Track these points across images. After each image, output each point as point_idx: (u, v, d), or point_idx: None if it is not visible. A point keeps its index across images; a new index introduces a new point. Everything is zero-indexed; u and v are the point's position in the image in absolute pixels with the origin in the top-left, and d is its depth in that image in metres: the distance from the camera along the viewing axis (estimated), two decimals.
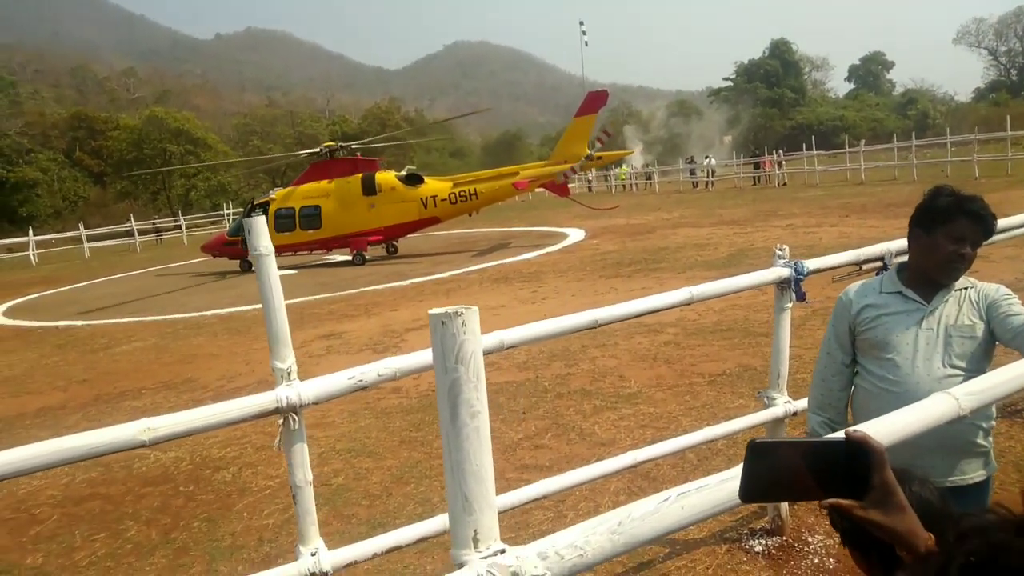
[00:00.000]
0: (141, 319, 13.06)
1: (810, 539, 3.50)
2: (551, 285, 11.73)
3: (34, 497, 5.01)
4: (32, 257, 32.41)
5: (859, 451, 0.90)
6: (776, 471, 0.89)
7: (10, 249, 35.92)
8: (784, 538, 3.52)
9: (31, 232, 35.89)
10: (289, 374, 2.33)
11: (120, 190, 59.49)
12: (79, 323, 13.36)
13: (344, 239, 19.13)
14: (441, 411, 1.09)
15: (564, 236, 19.53)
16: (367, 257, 18.89)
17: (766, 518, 3.63)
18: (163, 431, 2.10)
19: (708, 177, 35.80)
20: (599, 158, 21.63)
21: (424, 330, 9.41)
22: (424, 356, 2.45)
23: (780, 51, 78.06)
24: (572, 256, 15.23)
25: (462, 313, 1.05)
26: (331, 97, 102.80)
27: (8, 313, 15.71)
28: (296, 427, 2.26)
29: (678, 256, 13.13)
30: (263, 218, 2.41)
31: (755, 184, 33.49)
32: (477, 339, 1.06)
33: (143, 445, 2.06)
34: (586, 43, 62.54)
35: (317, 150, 21.56)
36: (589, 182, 43.20)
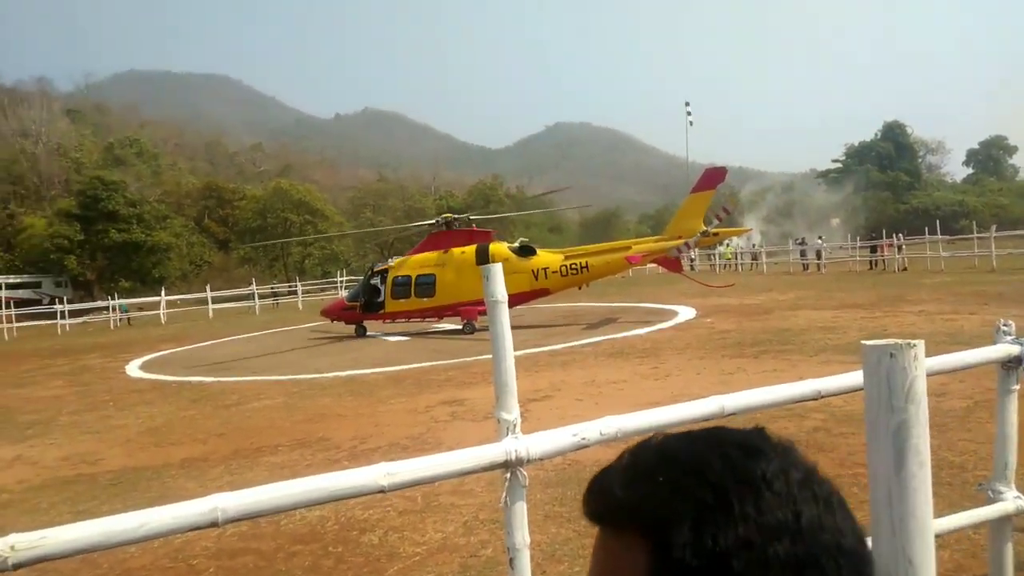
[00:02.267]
0: (267, 378, 13.56)
1: None
2: (672, 362, 11.39)
3: (190, 547, 5.11)
4: (162, 316, 34.66)
5: None
6: None
7: (141, 308, 38.65)
8: None
9: (163, 293, 38.51)
10: (515, 426, 2.26)
11: (242, 256, 63.58)
12: (210, 379, 14.01)
13: (456, 308, 19.47)
14: (876, 456, 0.96)
15: (674, 313, 19.12)
16: (476, 327, 19.10)
17: None
18: (401, 477, 2.06)
19: (819, 259, 34.60)
20: (715, 234, 21.27)
21: (546, 401, 9.27)
22: (660, 414, 2.30)
23: (894, 133, 75.93)
24: (687, 334, 14.82)
25: (914, 346, 0.94)
26: (437, 174, 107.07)
27: (144, 367, 16.68)
28: (524, 483, 2.17)
29: (805, 338, 12.52)
30: (500, 265, 2.41)
31: (871, 268, 32.02)
32: (924, 378, 0.94)
33: (382, 490, 2.02)
34: (691, 123, 62.94)
35: (434, 220, 22.33)
36: (692, 260, 42.56)
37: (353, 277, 39.08)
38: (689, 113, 62.60)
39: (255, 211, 63.62)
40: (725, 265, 41.63)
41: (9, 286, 47.99)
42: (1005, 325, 3.09)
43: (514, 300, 20.12)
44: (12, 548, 1.46)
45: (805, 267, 35.86)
